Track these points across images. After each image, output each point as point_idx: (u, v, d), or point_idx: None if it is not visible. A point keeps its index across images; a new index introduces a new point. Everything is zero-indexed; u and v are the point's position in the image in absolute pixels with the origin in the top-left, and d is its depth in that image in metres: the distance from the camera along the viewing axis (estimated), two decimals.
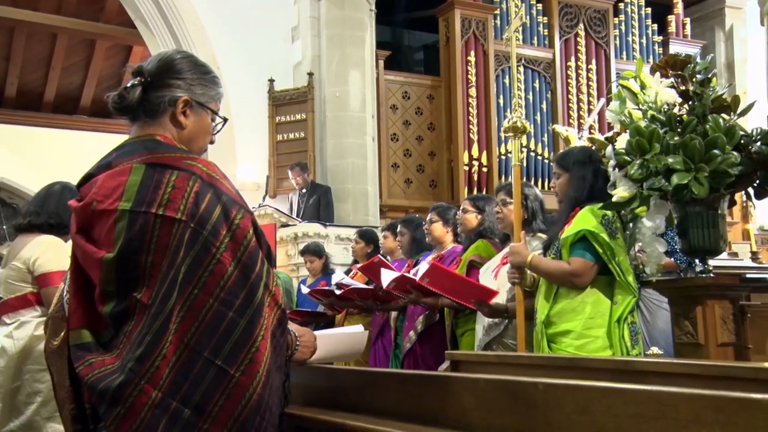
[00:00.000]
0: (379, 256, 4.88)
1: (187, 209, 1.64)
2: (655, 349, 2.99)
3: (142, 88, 1.79)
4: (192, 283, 1.60)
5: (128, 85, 1.80)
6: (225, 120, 1.93)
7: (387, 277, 4.06)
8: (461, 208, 4.28)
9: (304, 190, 8.45)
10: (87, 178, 1.79)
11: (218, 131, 1.94)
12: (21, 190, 12.87)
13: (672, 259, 4.07)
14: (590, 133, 5.46)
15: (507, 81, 10.37)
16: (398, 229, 5.03)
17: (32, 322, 3.14)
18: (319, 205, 8.28)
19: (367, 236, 5.88)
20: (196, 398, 1.58)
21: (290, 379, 1.86)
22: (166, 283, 1.60)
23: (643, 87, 3.17)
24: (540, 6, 10.78)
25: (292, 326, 1.93)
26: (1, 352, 3.12)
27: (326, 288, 5.06)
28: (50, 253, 3.13)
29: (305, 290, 5.53)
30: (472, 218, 4.19)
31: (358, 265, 5.27)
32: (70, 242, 1.83)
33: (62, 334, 1.76)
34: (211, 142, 1.94)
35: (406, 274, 4.07)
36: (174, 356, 1.58)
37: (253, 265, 1.65)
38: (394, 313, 4.76)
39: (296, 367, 1.95)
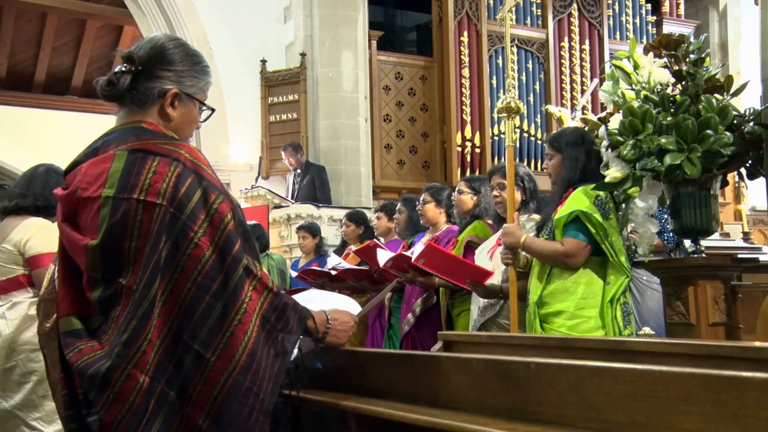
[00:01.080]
0: (375, 240, 4.88)
1: (167, 194, 1.65)
2: (647, 329, 3.00)
3: (131, 76, 1.77)
4: (172, 267, 1.62)
5: (117, 70, 1.78)
6: (213, 110, 1.93)
7: (384, 256, 4.07)
8: (457, 189, 4.28)
9: (298, 171, 8.42)
10: (73, 166, 1.79)
11: (205, 120, 1.93)
12: (12, 171, 12.80)
13: (660, 238, 4.08)
14: (583, 113, 5.44)
15: (500, 61, 10.33)
16: (397, 207, 5.02)
17: (25, 302, 3.15)
18: (313, 184, 8.25)
19: (356, 218, 5.86)
20: (179, 381, 1.61)
21: (304, 363, 1.86)
22: (149, 267, 1.61)
23: (636, 67, 3.16)
24: None
25: (328, 308, 1.91)
26: None
27: (317, 269, 5.04)
28: (40, 236, 3.13)
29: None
30: (468, 199, 4.19)
31: (353, 248, 5.26)
32: None
33: (54, 316, 1.76)
34: (197, 128, 1.95)
35: (404, 253, 4.07)
36: (158, 340, 1.60)
37: (229, 248, 1.66)
38: (388, 294, 4.77)
39: None
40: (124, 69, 1.77)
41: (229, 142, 9.05)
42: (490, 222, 4.08)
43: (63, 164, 3.32)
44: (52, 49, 12.93)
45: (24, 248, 3.14)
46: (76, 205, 1.72)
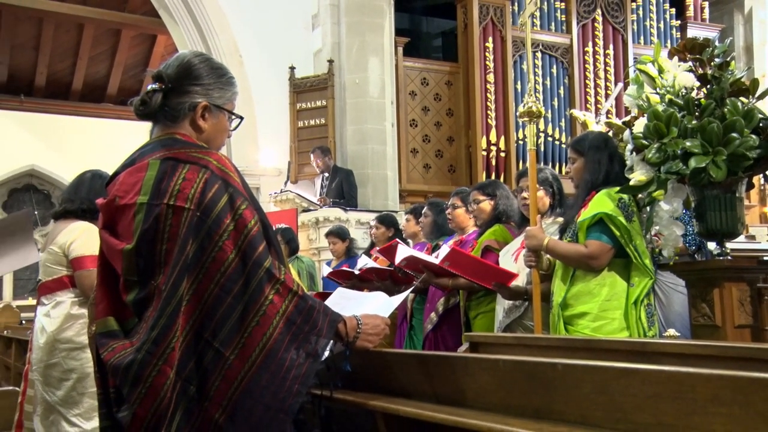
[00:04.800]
0: (398, 240, 4.91)
1: (195, 198, 1.73)
2: (672, 331, 3.00)
3: (162, 94, 1.87)
4: (197, 269, 1.70)
5: (149, 89, 1.88)
6: (241, 118, 2.01)
7: (400, 254, 4.08)
8: (472, 200, 4.26)
9: (326, 174, 8.49)
10: (114, 177, 1.89)
11: (235, 128, 2.03)
12: (51, 177, 13.05)
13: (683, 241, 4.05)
14: (608, 117, 5.44)
15: (525, 66, 10.32)
16: (423, 211, 5.04)
17: (67, 302, 3.31)
18: (341, 188, 8.32)
19: (387, 221, 5.90)
20: (199, 377, 1.68)
21: (335, 365, 1.90)
22: (177, 268, 1.68)
23: (660, 71, 3.16)
24: None
25: (359, 312, 1.96)
26: (41, 330, 3.29)
27: (346, 270, 5.09)
28: (84, 238, 3.27)
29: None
30: (486, 206, 4.18)
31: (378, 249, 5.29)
32: None
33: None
34: (228, 136, 2.03)
35: (416, 253, 4.09)
36: (182, 337, 1.67)
37: (251, 252, 1.73)
38: (411, 295, 4.79)
39: None
40: (155, 88, 1.87)
41: (259, 148, 9.16)
42: (511, 224, 4.08)
43: (99, 168, 3.45)
44: (89, 59, 13.19)
45: (68, 250, 3.29)
46: (114, 213, 1.80)
